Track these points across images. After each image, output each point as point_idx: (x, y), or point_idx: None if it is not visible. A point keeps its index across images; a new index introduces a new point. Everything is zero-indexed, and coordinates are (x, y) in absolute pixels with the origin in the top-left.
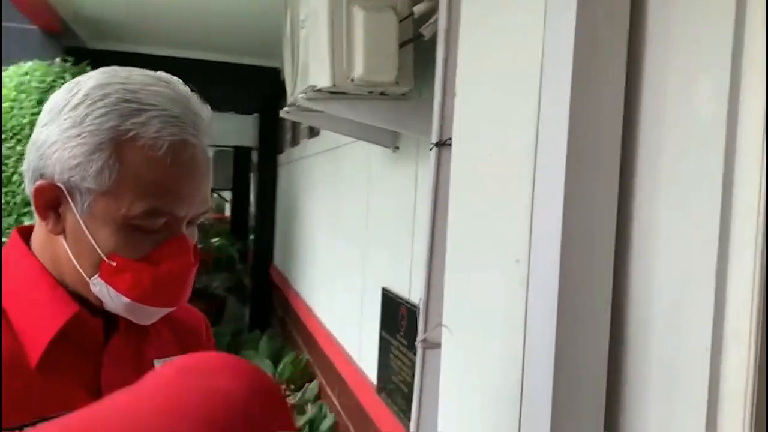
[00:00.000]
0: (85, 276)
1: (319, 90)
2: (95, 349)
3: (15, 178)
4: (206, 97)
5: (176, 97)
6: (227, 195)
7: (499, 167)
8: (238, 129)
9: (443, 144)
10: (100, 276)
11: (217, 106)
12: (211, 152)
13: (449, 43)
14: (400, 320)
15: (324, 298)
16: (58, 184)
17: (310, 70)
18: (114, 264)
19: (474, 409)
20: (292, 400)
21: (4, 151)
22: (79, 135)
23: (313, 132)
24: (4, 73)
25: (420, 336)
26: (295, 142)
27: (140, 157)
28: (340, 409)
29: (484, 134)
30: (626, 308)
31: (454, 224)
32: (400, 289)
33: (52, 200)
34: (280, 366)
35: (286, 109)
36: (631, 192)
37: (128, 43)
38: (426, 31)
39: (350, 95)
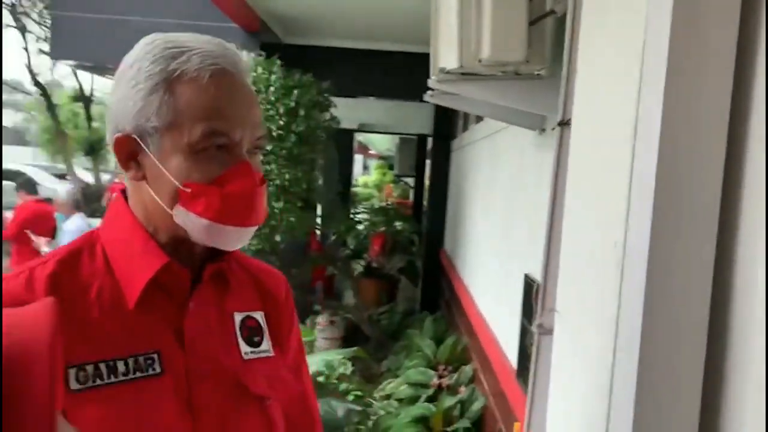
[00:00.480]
0: (168, 210)
1: (449, 72)
2: (182, 297)
3: None
4: (388, 86)
5: (211, 40)
6: (412, 182)
7: (604, 150)
8: (421, 117)
9: (565, 124)
10: (179, 204)
11: (399, 95)
12: (395, 140)
13: (575, 20)
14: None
15: (480, 283)
16: (131, 134)
17: (440, 52)
18: (189, 190)
19: (575, 398)
20: (448, 381)
21: None
22: (136, 85)
23: (480, 117)
24: None
25: (536, 321)
26: (465, 127)
27: (188, 88)
28: (489, 393)
29: (595, 116)
30: (728, 302)
31: (570, 207)
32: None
33: (129, 150)
34: (441, 348)
35: (429, 92)
36: (739, 182)
37: (316, 38)
38: (558, 8)
39: (482, 76)
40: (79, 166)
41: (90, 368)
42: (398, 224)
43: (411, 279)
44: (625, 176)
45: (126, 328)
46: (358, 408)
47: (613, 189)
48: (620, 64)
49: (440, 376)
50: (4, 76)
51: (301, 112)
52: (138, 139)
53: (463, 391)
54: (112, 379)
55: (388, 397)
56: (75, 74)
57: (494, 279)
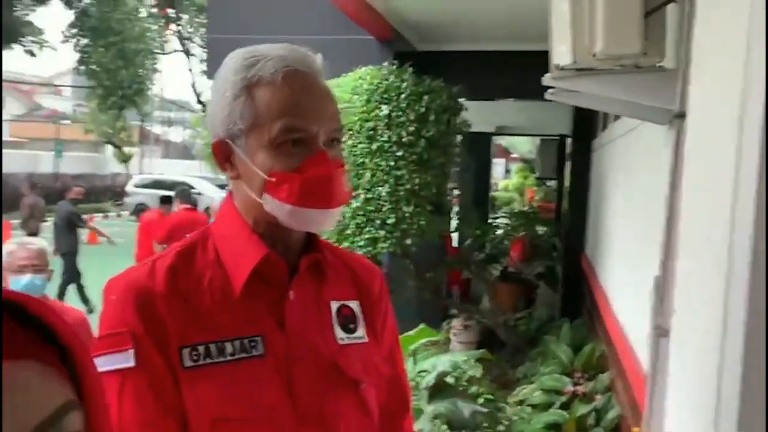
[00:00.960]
0: (258, 199)
1: (563, 68)
2: (282, 286)
3: (347, 167)
4: (525, 87)
5: (285, 46)
6: (554, 185)
7: (717, 144)
8: (562, 117)
9: (681, 116)
10: (266, 193)
11: (536, 95)
12: (536, 141)
13: (691, 9)
14: None
15: (616, 287)
16: (224, 139)
17: (553, 48)
18: (273, 179)
19: (692, 404)
20: (583, 388)
21: None
22: (223, 94)
23: (617, 115)
24: (344, 80)
25: (652, 322)
26: (604, 126)
27: (265, 91)
28: (624, 402)
29: (709, 108)
30: None
31: (687, 203)
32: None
33: (224, 153)
34: (578, 355)
35: (550, 91)
36: None
37: (451, 43)
38: None
39: (598, 71)
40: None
41: (201, 348)
42: (539, 228)
43: (550, 284)
44: (733, 172)
45: (233, 313)
46: (485, 410)
47: (722, 184)
48: (730, 53)
49: (575, 384)
50: (174, 96)
51: (431, 117)
52: (230, 142)
53: (599, 400)
54: (221, 359)
55: (521, 402)
56: None
57: (629, 283)
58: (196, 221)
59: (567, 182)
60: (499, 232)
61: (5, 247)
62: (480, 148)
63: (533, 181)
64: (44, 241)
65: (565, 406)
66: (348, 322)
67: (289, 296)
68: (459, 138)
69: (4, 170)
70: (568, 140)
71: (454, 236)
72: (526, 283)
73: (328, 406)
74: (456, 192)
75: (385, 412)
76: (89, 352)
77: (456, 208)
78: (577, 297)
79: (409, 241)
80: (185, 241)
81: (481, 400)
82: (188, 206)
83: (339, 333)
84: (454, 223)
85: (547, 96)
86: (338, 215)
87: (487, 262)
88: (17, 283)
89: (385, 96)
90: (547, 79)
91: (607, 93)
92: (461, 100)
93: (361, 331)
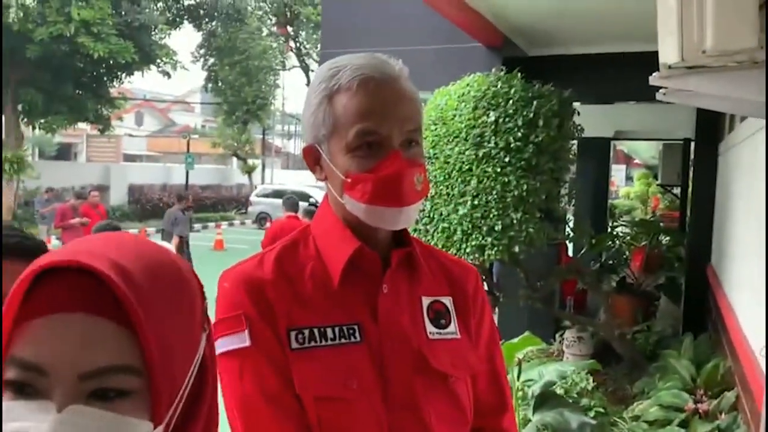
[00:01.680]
0: (340, 199)
1: (672, 67)
2: (376, 279)
3: (454, 174)
4: (645, 89)
5: (364, 56)
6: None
7: None
8: (687, 119)
9: None
10: (345, 193)
11: (653, 97)
12: (659, 146)
13: None
14: None
15: (746, 302)
16: (312, 144)
17: (660, 45)
18: (349, 180)
19: None
20: (706, 406)
21: (447, 151)
22: (311, 102)
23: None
24: (450, 88)
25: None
26: (731, 128)
27: (343, 99)
28: (751, 423)
29: None
30: None
31: None
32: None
33: (313, 157)
34: (700, 371)
35: (661, 91)
36: None
37: (564, 46)
38: None
39: (710, 68)
40: None
41: (306, 332)
42: (663, 238)
43: (672, 297)
44: None
45: (333, 302)
46: (593, 422)
47: None
48: None
49: (697, 401)
50: (293, 110)
51: (540, 122)
52: (317, 147)
53: (723, 419)
54: (323, 343)
55: (636, 418)
56: None
57: (760, 296)
58: (295, 228)
59: (692, 189)
60: (619, 241)
61: None
62: (597, 153)
63: (656, 188)
64: (170, 245)
65: (684, 424)
66: (439, 317)
67: (383, 289)
68: (572, 143)
69: (143, 181)
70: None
71: (570, 245)
72: (646, 295)
73: (419, 395)
74: (569, 199)
75: (482, 409)
76: (176, 334)
77: (570, 216)
78: (701, 310)
79: (517, 249)
80: (288, 238)
81: (591, 413)
82: (292, 214)
83: (429, 327)
84: (568, 231)
85: (658, 96)
86: (412, 213)
87: (604, 273)
88: None
89: (493, 102)
90: (654, 79)
91: (722, 91)
92: (575, 104)
93: (453, 327)
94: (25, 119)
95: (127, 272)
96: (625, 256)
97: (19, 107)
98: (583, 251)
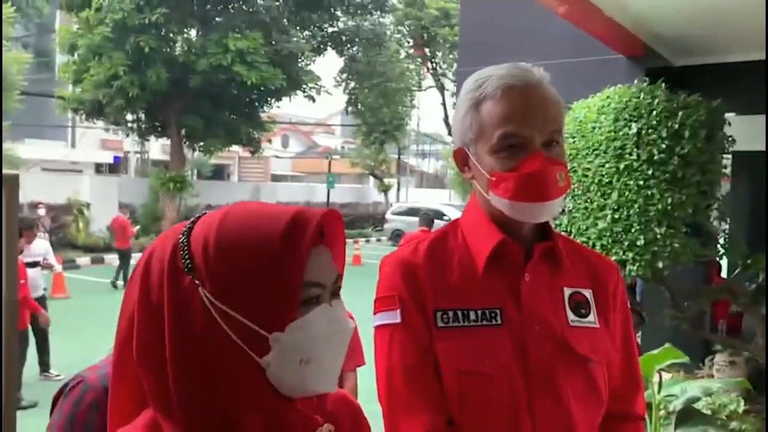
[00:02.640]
0: (486, 196)
1: None
2: (518, 268)
3: (593, 187)
4: None
5: (509, 66)
6: None
7: None
8: None
9: None
10: (490, 190)
11: None
12: None
13: None
14: None
15: None
16: (461, 147)
17: None
18: (494, 179)
19: None
20: None
21: (585, 164)
22: (460, 110)
23: None
24: (590, 100)
25: None
26: None
27: (488, 106)
28: None
29: None
30: None
31: None
32: None
33: (462, 158)
34: None
35: None
36: None
37: (710, 55)
38: None
39: None
40: None
41: (451, 313)
42: None
43: None
44: None
45: (477, 288)
46: None
47: None
48: None
49: None
50: (428, 130)
51: (686, 134)
52: (466, 149)
53: None
54: (465, 323)
55: None
56: None
57: None
58: None
59: None
60: None
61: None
62: (756, 168)
63: None
64: None
65: None
66: (580, 307)
67: (525, 278)
68: (724, 157)
69: (289, 199)
70: None
71: (723, 265)
72: None
73: (558, 377)
74: (720, 214)
75: (617, 394)
76: (344, 249)
77: (724, 234)
78: None
79: (661, 265)
80: (439, 230)
81: None
82: (425, 228)
83: (570, 315)
84: (719, 249)
85: None
86: (554, 207)
87: (762, 295)
88: None
89: (635, 113)
90: None
91: None
92: (728, 115)
93: (592, 317)
94: (187, 142)
95: (337, 218)
96: None
97: (182, 132)
98: (737, 271)
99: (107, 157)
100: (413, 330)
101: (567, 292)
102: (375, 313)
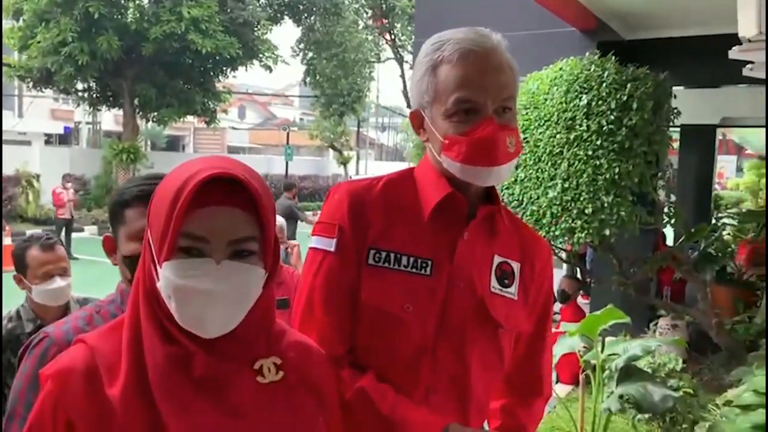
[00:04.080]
0: (438, 158)
1: (751, 41)
2: (460, 224)
3: (544, 157)
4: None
5: (466, 30)
6: None
7: None
8: None
9: None
10: (442, 153)
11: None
12: None
13: None
14: None
15: None
16: (417, 108)
17: (739, 19)
18: (446, 142)
19: None
20: None
21: (537, 135)
22: (417, 72)
23: None
24: (544, 72)
25: None
26: None
27: (444, 69)
28: None
29: None
30: None
31: None
32: None
33: (418, 120)
34: None
35: (748, 66)
36: None
37: (660, 29)
38: None
39: None
40: None
41: (383, 254)
42: None
43: None
44: None
45: (417, 236)
46: (676, 395)
47: None
48: None
49: None
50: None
51: (634, 105)
52: (421, 111)
53: None
54: (395, 267)
55: (729, 403)
56: None
57: None
58: None
59: None
60: (725, 233)
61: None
62: (701, 142)
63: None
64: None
65: None
66: (504, 277)
67: (464, 236)
68: (671, 129)
69: None
70: None
71: (669, 234)
72: (748, 286)
73: (467, 333)
74: (666, 185)
75: (520, 378)
76: (270, 214)
77: (669, 203)
78: None
79: (608, 232)
80: (397, 173)
81: (679, 393)
82: None
83: (494, 282)
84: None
85: (744, 72)
86: (503, 172)
87: (704, 262)
88: None
89: (585, 85)
90: (733, 53)
91: None
92: (677, 88)
93: (513, 289)
94: (140, 113)
95: (254, 179)
96: (730, 249)
97: (135, 101)
98: (681, 240)
99: (57, 128)
100: (343, 262)
101: (497, 259)
102: (313, 234)
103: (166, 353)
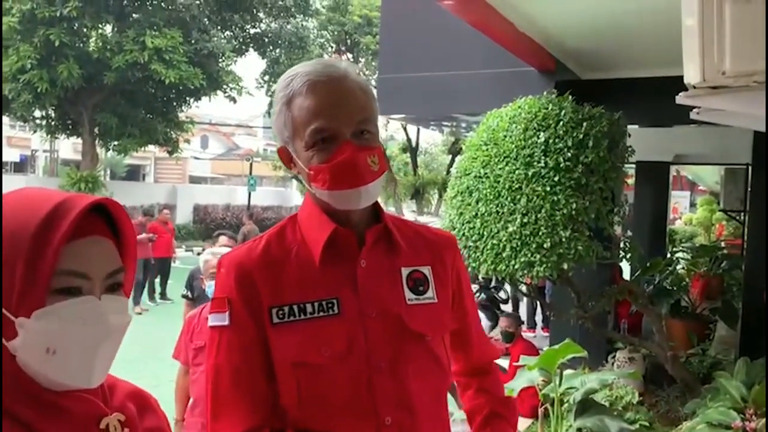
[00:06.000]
0: (311, 189)
1: (696, 87)
2: (353, 255)
3: (503, 192)
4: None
5: (316, 62)
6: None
7: None
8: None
9: None
10: (310, 182)
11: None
12: (721, 171)
13: None
14: None
15: None
16: (282, 145)
17: (685, 67)
18: (311, 172)
19: None
20: (754, 425)
21: (497, 171)
22: (275, 109)
23: None
24: (503, 110)
25: None
26: None
27: (297, 103)
28: None
29: None
30: None
31: None
32: None
33: (286, 156)
34: (751, 391)
35: (695, 110)
36: None
37: (615, 71)
38: None
39: (731, 88)
40: (407, 209)
41: (286, 308)
42: (724, 265)
43: (728, 321)
44: None
45: (314, 280)
46: (632, 428)
47: None
48: None
49: (745, 419)
50: None
51: (590, 143)
52: (287, 147)
53: None
54: (302, 317)
55: None
56: (404, 129)
57: None
58: None
59: (749, 214)
60: (679, 267)
61: (203, 257)
62: (656, 178)
63: (721, 215)
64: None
65: None
66: (418, 284)
67: (361, 264)
68: (626, 166)
69: (207, 202)
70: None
71: (626, 268)
72: (701, 319)
73: (397, 354)
74: (621, 220)
75: (476, 351)
76: (134, 242)
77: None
78: (757, 335)
79: (566, 266)
80: (278, 225)
81: (636, 426)
82: None
83: (408, 294)
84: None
85: (692, 115)
86: (371, 191)
87: (659, 296)
88: (210, 287)
89: (543, 123)
90: (680, 98)
91: (745, 110)
92: (632, 127)
93: (430, 293)
94: (101, 141)
95: (121, 210)
96: (684, 283)
97: (96, 130)
98: (637, 274)
99: (13, 156)
100: (241, 332)
101: (405, 272)
102: (209, 314)
103: None
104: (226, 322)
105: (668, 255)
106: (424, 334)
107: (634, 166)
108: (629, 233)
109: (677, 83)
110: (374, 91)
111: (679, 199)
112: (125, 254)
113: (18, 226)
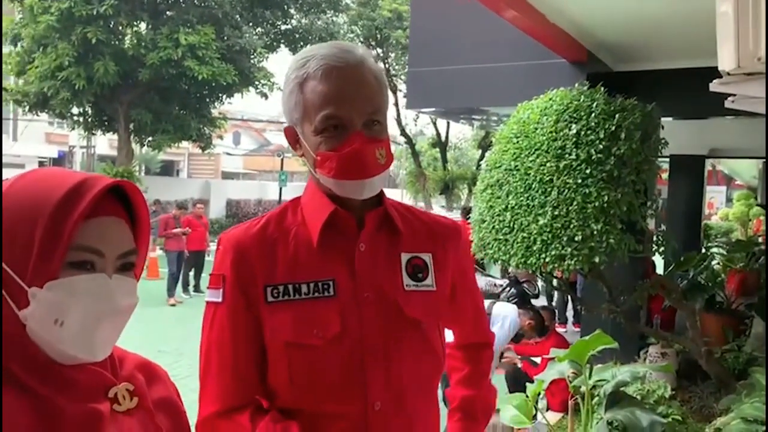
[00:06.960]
0: (315, 174)
1: (730, 74)
2: (352, 237)
3: (534, 185)
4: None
5: (331, 44)
6: None
7: None
8: None
9: None
10: (316, 168)
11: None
12: (759, 165)
13: None
14: None
15: None
16: (290, 125)
17: (719, 53)
18: (318, 158)
19: None
20: None
21: (528, 163)
22: (286, 89)
23: None
24: (534, 102)
25: None
26: None
27: (310, 86)
28: None
29: None
30: None
31: None
32: None
33: (293, 137)
34: None
35: (730, 98)
36: None
37: (649, 62)
38: None
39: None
40: (437, 204)
41: (281, 288)
42: (762, 260)
43: (765, 317)
44: None
45: (311, 261)
46: (664, 420)
47: None
48: None
49: None
50: None
51: (623, 135)
52: (294, 128)
53: None
54: (296, 297)
55: (718, 431)
56: (434, 123)
57: None
58: None
59: None
60: (714, 262)
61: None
62: (691, 172)
63: (759, 210)
64: None
65: None
66: (417, 271)
67: (360, 247)
68: (660, 159)
69: (240, 197)
70: None
71: (659, 263)
72: (737, 315)
73: (390, 339)
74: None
75: (472, 330)
76: (148, 226)
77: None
78: None
79: (597, 260)
80: (279, 207)
81: (668, 420)
82: None
83: (406, 280)
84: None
85: (726, 104)
86: (376, 183)
87: (693, 291)
88: None
89: (575, 115)
90: (714, 86)
91: None
92: (666, 119)
93: (429, 280)
94: (135, 137)
95: (138, 193)
96: (719, 278)
97: (130, 126)
98: (671, 269)
99: (51, 151)
100: (232, 310)
101: (405, 257)
102: (207, 288)
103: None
104: (220, 299)
105: (703, 250)
106: (419, 320)
107: (667, 159)
108: (663, 228)
109: (712, 74)
110: (386, 81)
111: (714, 195)
112: (139, 237)
113: (40, 199)
